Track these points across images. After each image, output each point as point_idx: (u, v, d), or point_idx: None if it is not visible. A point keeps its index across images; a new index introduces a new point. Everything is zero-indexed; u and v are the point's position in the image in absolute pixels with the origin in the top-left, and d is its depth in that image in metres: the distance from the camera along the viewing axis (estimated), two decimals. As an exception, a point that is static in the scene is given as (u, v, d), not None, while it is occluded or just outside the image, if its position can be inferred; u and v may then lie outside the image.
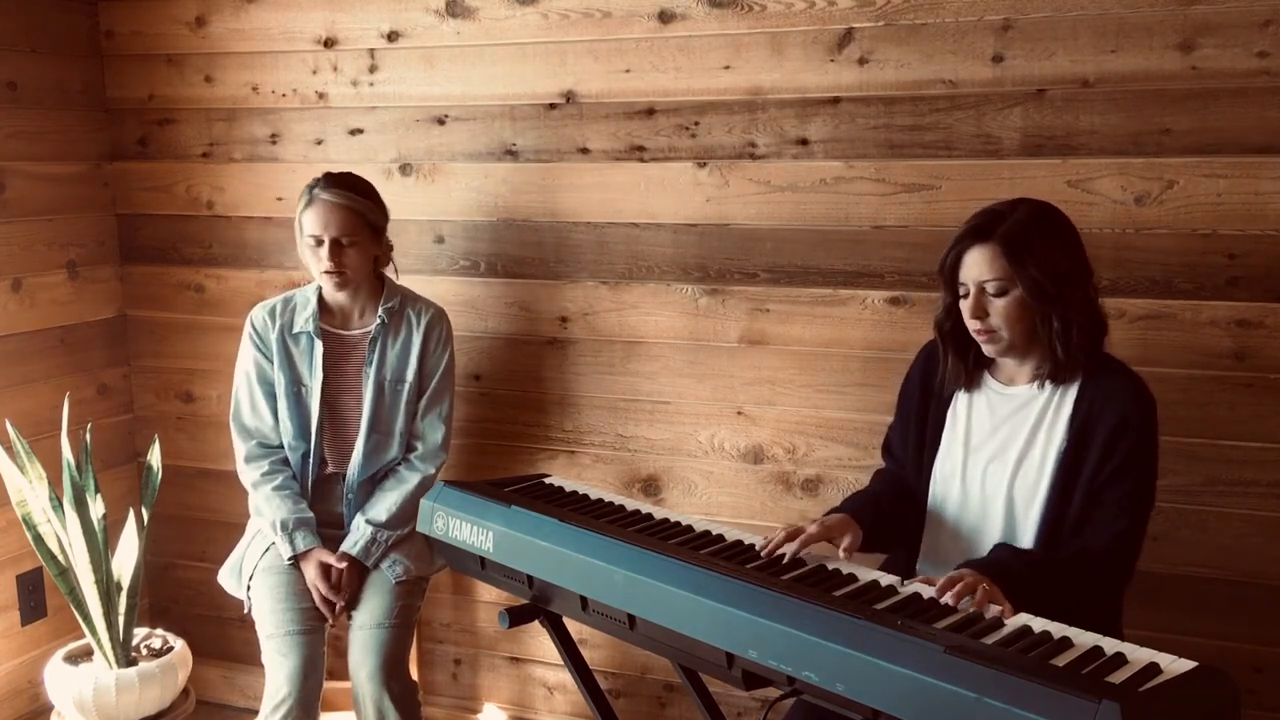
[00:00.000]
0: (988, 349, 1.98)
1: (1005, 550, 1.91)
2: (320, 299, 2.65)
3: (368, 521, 2.57)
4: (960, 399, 2.09)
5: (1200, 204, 2.29)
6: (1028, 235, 1.90)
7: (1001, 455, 2.01)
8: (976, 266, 1.92)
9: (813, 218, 2.56)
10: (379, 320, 2.62)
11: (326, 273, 2.54)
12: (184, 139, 3.11)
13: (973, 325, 1.96)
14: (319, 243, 2.52)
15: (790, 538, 1.90)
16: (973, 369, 2.06)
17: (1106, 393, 1.92)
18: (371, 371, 2.62)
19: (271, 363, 2.63)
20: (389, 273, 2.70)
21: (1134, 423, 1.89)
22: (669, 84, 2.62)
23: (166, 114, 3.11)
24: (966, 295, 1.95)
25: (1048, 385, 1.98)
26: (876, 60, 2.46)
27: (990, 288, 1.92)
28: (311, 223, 2.52)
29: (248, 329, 2.65)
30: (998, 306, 1.92)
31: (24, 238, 2.98)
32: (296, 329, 2.63)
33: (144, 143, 3.15)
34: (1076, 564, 1.87)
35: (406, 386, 2.63)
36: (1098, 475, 1.90)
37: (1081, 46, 2.31)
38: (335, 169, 2.63)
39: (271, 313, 2.65)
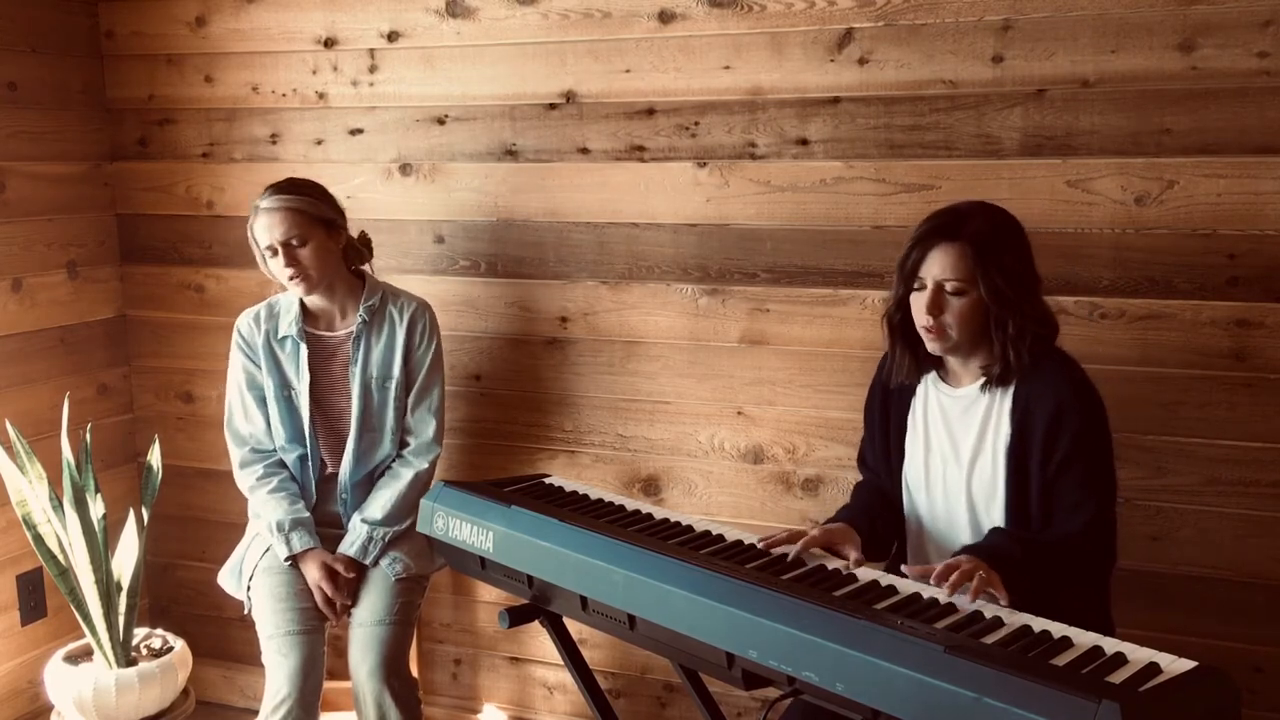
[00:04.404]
0: (933, 346, 1.98)
1: (1000, 534, 1.92)
2: (303, 303, 2.65)
3: (363, 520, 2.57)
4: (916, 404, 2.09)
5: (1200, 204, 2.29)
6: (996, 239, 1.91)
7: (956, 457, 2.02)
8: (940, 264, 1.91)
9: (813, 218, 2.56)
10: (360, 319, 2.62)
11: (290, 279, 2.52)
12: (184, 139, 3.10)
13: (924, 321, 1.95)
14: (274, 252, 2.51)
15: (792, 539, 1.92)
16: (922, 363, 2.06)
17: (1042, 384, 1.93)
18: (357, 371, 2.62)
19: (260, 368, 2.63)
20: (369, 270, 2.69)
21: (1071, 410, 1.90)
22: (669, 84, 2.62)
23: (166, 114, 3.11)
24: (922, 289, 1.94)
25: (992, 386, 1.98)
26: (876, 60, 2.45)
27: (950, 287, 1.91)
28: (261, 234, 2.51)
29: (235, 337, 2.66)
30: (954, 306, 1.92)
31: (24, 238, 2.98)
32: (281, 333, 2.63)
33: (144, 143, 3.15)
34: (1063, 547, 1.89)
35: (394, 383, 2.63)
36: (1046, 468, 1.91)
37: (1081, 46, 2.31)
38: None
39: (256, 319, 2.65)
